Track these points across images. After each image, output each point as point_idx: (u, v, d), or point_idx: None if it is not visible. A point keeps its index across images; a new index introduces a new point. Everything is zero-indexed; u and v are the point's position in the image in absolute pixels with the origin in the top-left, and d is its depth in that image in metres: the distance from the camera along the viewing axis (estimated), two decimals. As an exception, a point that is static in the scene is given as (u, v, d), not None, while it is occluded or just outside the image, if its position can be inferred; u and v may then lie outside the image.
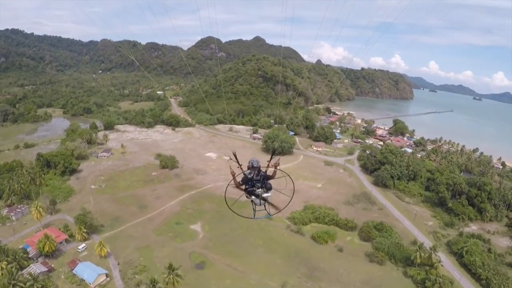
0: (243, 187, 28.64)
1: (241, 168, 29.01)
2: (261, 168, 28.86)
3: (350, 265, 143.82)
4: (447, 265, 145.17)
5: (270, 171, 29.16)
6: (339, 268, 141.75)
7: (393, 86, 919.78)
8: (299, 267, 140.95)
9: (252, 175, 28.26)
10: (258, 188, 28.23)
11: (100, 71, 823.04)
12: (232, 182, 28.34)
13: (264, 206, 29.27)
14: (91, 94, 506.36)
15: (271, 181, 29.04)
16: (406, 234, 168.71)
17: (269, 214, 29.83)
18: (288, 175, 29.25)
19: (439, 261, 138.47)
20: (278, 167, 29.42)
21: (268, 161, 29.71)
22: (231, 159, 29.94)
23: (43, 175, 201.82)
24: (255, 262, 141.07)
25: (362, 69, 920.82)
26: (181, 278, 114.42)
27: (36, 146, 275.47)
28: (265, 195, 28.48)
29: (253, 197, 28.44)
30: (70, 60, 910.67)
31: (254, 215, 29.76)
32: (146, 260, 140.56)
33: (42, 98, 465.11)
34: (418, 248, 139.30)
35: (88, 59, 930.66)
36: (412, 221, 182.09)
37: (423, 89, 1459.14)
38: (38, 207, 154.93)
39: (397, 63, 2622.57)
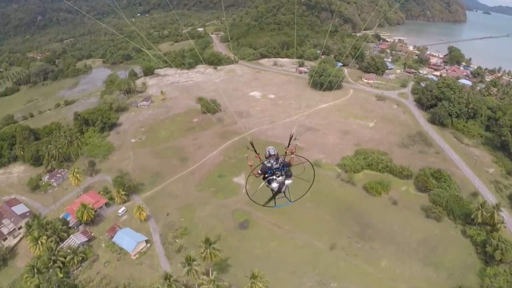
0: (263, 176, 28.13)
1: (259, 158, 29.18)
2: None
3: (405, 221, 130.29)
4: (510, 223, 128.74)
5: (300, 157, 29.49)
6: (393, 225, 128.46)
7: (444, 8, 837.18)
8: (350, 224, 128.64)
9: (271, 163, 27.74)
10: (278, 176, 27.59)
11: (139, 14, 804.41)
12: (252, 173, 28.38)
13: (284, 193, 28.70)
14: (130, 39, 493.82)
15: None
16: (466, 184, 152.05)
17: (290, 201, 29.23)
18: (308, 161, 29.09)
19: (502, 222, 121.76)
20: (295, 153, 29.26)
21: (286, 147, 29.64)
22: (248, 148, 29.87)
23: (79, 137, 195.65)
24: (302, 220, 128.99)
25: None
26: (219, 251, 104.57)
27: (76, 101, 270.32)
28: (286, 182, 27.88)
29: (273, 185, 27.70)
30: (107, 7, 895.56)
31: (275, 203, 29.11)
32: (187, 221, 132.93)
33: (81, 50, 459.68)
34: (480, 206, 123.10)
35: (125, 3, 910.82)
36: (472, 168, 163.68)
37: (476, 11, 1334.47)
38: (74, 173, 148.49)
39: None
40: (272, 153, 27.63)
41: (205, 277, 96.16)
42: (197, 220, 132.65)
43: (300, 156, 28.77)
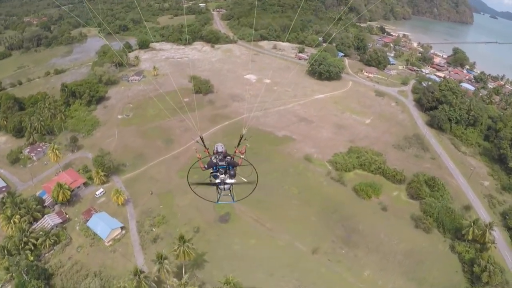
0: (209, 171, 29.13)
1: (208, 152, 30.42)
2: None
3: (393, 230, 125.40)
4: (500, 242, 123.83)
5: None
6: (380, 232, 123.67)
7: (452, 8, 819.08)
8: (336, 227, 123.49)
9: (216, 160, 28.45)
10: (221, 174, 28.42)
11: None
12: (197, 164, 29.66)
13: (229, 191, 29.09)
14: (129, 10, 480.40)
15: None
16: (459, 195, 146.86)
17: (233, 200, 29.51)
18: (252, 165, 29.93)
19: (493, 242, 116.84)
20: (243, 156, 30.17)
21: (235, 147, 30.72)
22: (197, 141, 31.93)
23: (64, 110, 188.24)
24: (286, 218, 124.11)
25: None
26: (193, 250, 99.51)
27: (67, 71, 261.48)
28: (228, 181, 28.45)
29: (217, 181, 28.43)
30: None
31: (218, 200, 29.53)
32: (166, 209, 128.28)
33: (78, 17, 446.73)
34: (472, 223, 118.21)
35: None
36: (467, 179, 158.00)
37: (483, 14, 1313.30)
38: (54, 149, 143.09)
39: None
40: (219, 150, 28.78)
41: (175, 279, 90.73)
42: (176, 209, 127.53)
43: (246, 160, 29.96)
